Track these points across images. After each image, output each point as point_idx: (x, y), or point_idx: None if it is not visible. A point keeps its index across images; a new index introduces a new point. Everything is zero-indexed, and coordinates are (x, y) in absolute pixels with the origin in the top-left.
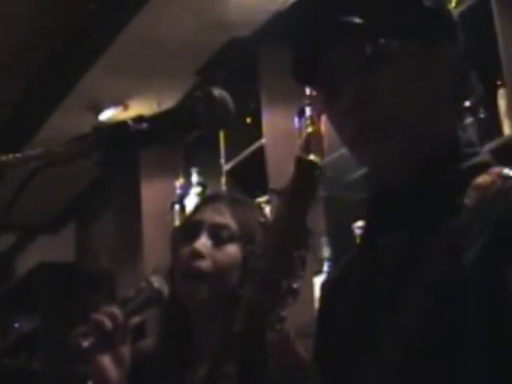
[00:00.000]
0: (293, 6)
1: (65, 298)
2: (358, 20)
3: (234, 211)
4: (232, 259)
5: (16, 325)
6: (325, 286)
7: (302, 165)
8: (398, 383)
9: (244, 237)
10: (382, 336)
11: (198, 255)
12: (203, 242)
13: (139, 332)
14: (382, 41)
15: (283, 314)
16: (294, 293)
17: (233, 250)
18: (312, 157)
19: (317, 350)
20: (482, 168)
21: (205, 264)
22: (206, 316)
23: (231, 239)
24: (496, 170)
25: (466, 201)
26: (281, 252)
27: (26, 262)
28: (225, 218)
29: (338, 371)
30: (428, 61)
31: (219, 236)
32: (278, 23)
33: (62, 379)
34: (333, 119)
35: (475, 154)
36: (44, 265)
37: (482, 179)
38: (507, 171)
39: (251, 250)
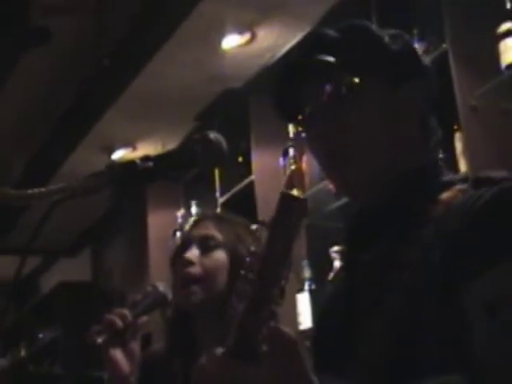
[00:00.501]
0: (279, 61)
1: (81, 312)
2: (330, 59)
3: (218, 224)
4: (219, 263)
5: (40, 335)
6: (320, 305)
7: (285, 199)
8: (373, 380)
9: (228, 243)
10: (361, 339)
11: (189, 263)
12: (193, 252)
13: (146, 341)
14: (350, 79)
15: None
16: (275, 316)
17: (219, 255)
18: (295, 191)
19: (313, 352)
20: (448, 186)
21: (195, 270)
22: (204, 319)
23: (217, 247)
24: (459, 187)
25: (433, 215)
26: (265, 281)
27: (49, 281)
28: (210, 230)
29: (326, 370)
30: (393, 100)
31: (206, 245)
32: (266, 76)
33: (80, 382)
34: (309, 145)
35: (441, 175)
36: (64, 284)
37: (446, 195)
38: (468, 187)
39: (242, 274)
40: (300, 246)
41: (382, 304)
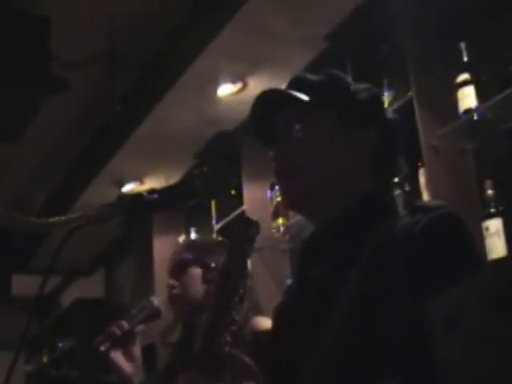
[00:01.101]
0: None
1: (95, 324)
2: (297, 94)
3: (190, 247)
4: (194, 277)
5: (60, 344)
6: (275, 310)
7: (241, 223)
8: (324, 380)
9: (199, 259)
10: (311, 344)
11: (171, 287)
12: (171, 280)
13: (150, 350)
14: (309, 113)
15: (229, 338)
16: (236, 322)
17: (193, 271)
18: (280, 219)
19: (268, 356)
20: (391, 213)
21: (175, 291)
22: (196, 327)
23: (189, 265)
24: (401, 212)
25: (376, 238)
26: (224, 292)
27: (68, 297)
28: (184, 254)
29: (282, 370)
30: (345, 138)
31: (182, 265)
32: None
33: None
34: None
35: (388, 204)
36: (80, 300)
37: (389, 221)
38: (406, 214)
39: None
40: (284, 268)
41: (329, 317)
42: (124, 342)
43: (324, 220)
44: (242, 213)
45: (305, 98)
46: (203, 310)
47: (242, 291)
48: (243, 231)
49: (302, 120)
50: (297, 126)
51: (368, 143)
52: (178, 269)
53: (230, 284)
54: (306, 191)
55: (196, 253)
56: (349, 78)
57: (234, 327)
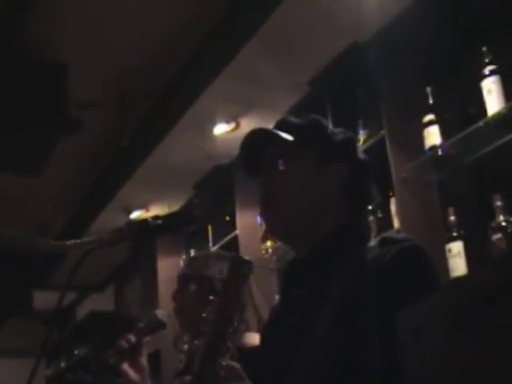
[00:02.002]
0: None
1: (107, 334)
2: (281, 134)
3: (189, 263)
4: (192, 296)
5: (76, 351)
6: (263, 327)
7: (235, 262)
8: None
9: (196, 273)
10: (296, 357)
11: (174, 299)
12: (174, 294)
13: (156, 356)
14: (290, 151)
15: (224, 363)
16: (230, 351)
17: (192, 287)
18: (268, 242)
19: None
20: (362, 242)
21: (178, 304)
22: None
23: (188, 282)
24: (371, 243)
25: (350, 265)
26: (220, 323)
27: (82, 310)
28: (183, 270)
29: (269, 381)
30: (321, 173)
31: (182, 281)
32: None
33: None
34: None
35: (360, 233)
36: (94, 313)
37: (360, 249)
38: (376, 244)
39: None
40: (272, 284)
41: (311, 331)
42: (131, 353)
43: (302, 247)
44: (235, 237)
45: (289, 137)
46: (197, 322)
47: (236, 323)
48: (237, 269)
49: (284, 156)
50: (280, 162)
51: (341, 178)
52: (179, 284)
53: (224, 317)
54: (283, 220)
55: (194, 269)
56: (327, 122)
57: (228, 355)
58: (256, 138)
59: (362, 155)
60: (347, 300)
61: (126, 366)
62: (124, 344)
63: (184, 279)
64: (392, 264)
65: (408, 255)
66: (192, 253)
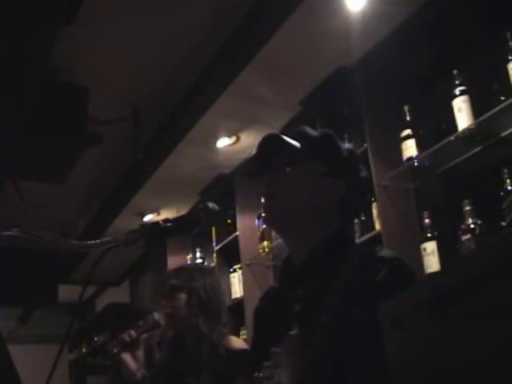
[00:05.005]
0: (255, 155)
1: (123, 323)
2: (294, 143)
3: (176, 274)
4: (181, 301)
5: (95, 339)
6: (256, 311)
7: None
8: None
9: (184, 285)
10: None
11: (165, 308)
12: (166, 301)
13: (151, 351)
14: (298, 159)
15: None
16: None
17: (180, 296)
18: (265, 242)
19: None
20: (353, 248)
21: (167, 311)
22: (183, 337)
23: (178, 291)
24: (361, 250)
25: (342, 270)
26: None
27: (101, 302)
28: (172, 280)
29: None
30: (320, 183)
31: (172, 290)
32: (246, 166)
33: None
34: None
35: (350, 240)
36: (111, 304)
37: (351, 256)
38: (366, 257)
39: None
40: (269, 280)
41: (310, 337)
42: (131, 346)
43: (297, 246)
44: (236, 237)
45: (297, 145)
46: (188, 326)
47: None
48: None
49: (291, 163)
50: (288, 166)
51: (338, 192)
52: (169, 293)
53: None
54: (281, 213)
55: (183, 280)
56: (338, 139)
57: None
58: (269, 143)
59: (363, 173)
60: (339, 307)
61: (126, 356)
62: (126, 337)
63: (175, 289)
64: (384, 281)
65: (399, 275)
66: (197, 251)
